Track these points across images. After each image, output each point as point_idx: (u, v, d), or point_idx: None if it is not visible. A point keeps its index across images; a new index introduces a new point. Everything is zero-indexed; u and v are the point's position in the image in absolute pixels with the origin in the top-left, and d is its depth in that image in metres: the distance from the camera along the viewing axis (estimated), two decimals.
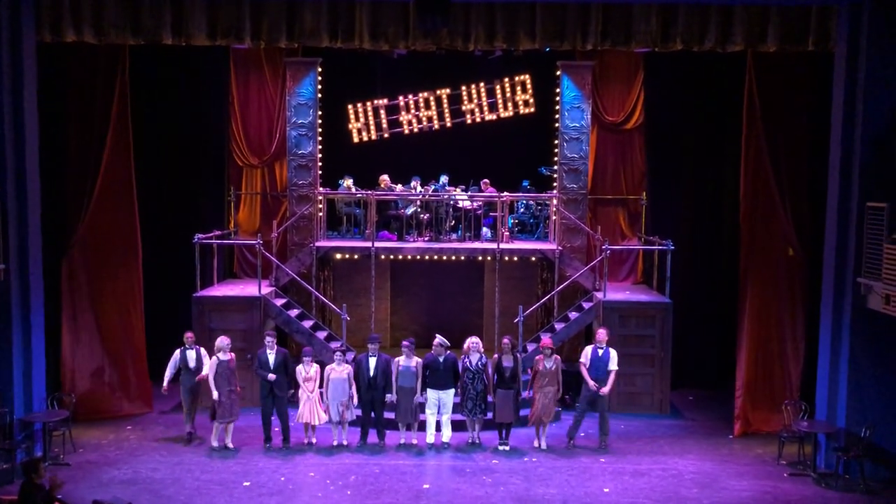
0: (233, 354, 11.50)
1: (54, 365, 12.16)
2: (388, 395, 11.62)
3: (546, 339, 12.06)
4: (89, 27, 11.14)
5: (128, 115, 12.39)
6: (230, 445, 11.42)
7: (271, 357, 11.50)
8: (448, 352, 11.75)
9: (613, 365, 11.61)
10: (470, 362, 11.58)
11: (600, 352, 11.63)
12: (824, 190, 11.25)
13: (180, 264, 13.83)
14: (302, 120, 14.67)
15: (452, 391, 11.68)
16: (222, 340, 11.46)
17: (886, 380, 10.57)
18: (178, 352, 11.69)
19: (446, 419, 11.71)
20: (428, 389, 11.60)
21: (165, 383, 11.62)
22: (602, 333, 11.76)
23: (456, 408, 11.85)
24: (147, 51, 12.16)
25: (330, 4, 11.27)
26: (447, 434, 11.73)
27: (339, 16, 11.32)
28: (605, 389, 11.53)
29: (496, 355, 11.73)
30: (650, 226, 14.97)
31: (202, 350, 11.77)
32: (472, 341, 11.71)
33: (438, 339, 11.76)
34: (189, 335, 11.78)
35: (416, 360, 11.69)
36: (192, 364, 11.63)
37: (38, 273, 11.30)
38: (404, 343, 11.89)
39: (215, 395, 11.22)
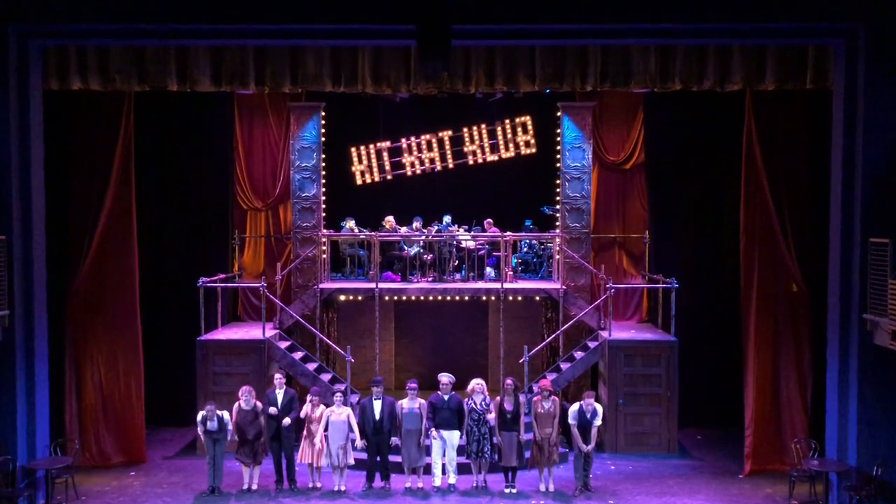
0: (258, 402, 11.41)
1: (57, 411, 12.08)
2: (394, 439, 11.51)
3: (544, 380, 11.95)
4: (95, 75, 11.32)
5: (131, 160, 12.49)
6: (254, 487, 11.44)
7: (279, 395, 11.48)
8: (453, 392, 11.67)
9: (598, 421, 11.39)
10: (475, 403, 11.49)
11: (588, 415, 11.29)
12: (826, 225, 11.27)
13: (185, 308, 13.82)
14: (305, 163, 14.81)
15: (457, 432, 11.57)
16: (243, 390, 11.42)
17: None
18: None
19: (451, 460, 11.59)
20: (432, 429, 11.50)
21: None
22: (590, 395, 11.51)
23: (462, 450, 11.73)
24: (152, 95, 12.32)
25: (332, 50, 11.44)
26: (452, 477, 11.60)
27: (341, 61, 11.49)
28: (590, 447, 11.30)
29: (498, 397, 11.63)
30: (653, 264, 14.97)
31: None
32: (477, 383, 11.61)
33: (446, 377, 11.66)
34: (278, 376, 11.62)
35: (419, 402, 11.59)
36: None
37: (43, 319, 11.30)
38: (409, 385, 11.81)
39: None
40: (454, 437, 11.54)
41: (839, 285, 10.90)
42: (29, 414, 11.03)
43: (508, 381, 11.66)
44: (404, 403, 11.59)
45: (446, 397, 11.56)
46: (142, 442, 12.69)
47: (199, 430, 11.44)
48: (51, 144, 11.61)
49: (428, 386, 15.64)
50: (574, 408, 11.45)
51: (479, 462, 11.57)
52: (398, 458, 11.71)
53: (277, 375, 11.66)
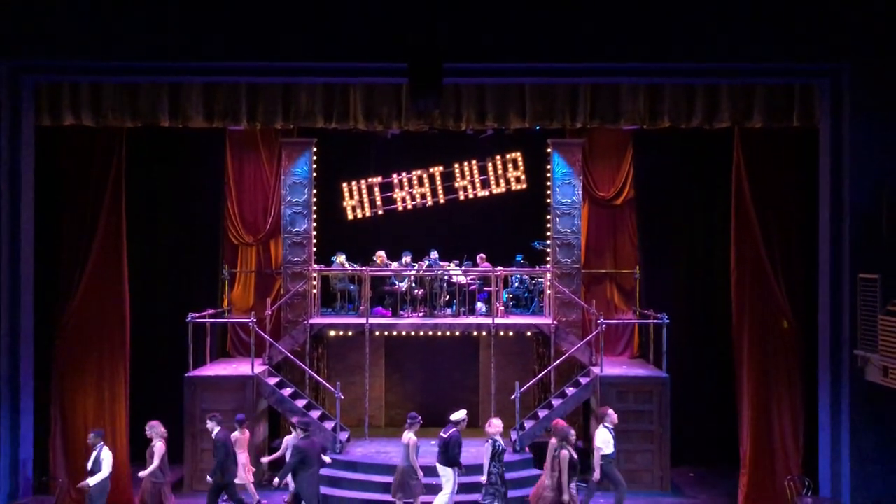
0: (159, 442, 10.95)
1: (42, 448, 11.87)
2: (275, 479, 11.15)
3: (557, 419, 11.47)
4: (88, 111, 11.32)
5: (122, 196, 12.44)
6: None
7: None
8: (453, 429, 11.29)
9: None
10: (498, 445, 11.00)
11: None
12: (816, 261, 11.32)
13: (173, 343, 13.69)
14: (297, 198, 14.83)
15: (445, 469, 11.19)
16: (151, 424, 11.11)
17: (890, 453, 10.41)
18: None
19: (438, 497, 11.22)
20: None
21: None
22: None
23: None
24: (144, 131, 12.33)
25: (325, 87, 11.51)
26: None
27: (333, 98, 11.56)
28: (596, 475, 11.18)
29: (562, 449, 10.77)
30: (644, 299, 14.97)
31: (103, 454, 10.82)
32: (497, 422, 11.20)
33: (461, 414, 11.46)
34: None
35: (408, 437, 11.36)
36: (89, 467, 10.74)
37: (29, 356, 11.17)
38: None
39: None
40: (443, 473, 11.26)
41: (829, 321, 10.91)
42: (13, 451, 10.86)
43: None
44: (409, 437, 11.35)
45: (445, 434, 11.27)
46: (128, 484, 12.23)
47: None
48: (42, 179, 11.58)
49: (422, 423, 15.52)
50: (607, 435, 11.22)
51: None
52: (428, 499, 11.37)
53: (209, 423, 11.37)
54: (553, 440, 10.81)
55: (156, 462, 10.79)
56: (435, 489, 11.48)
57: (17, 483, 10.87)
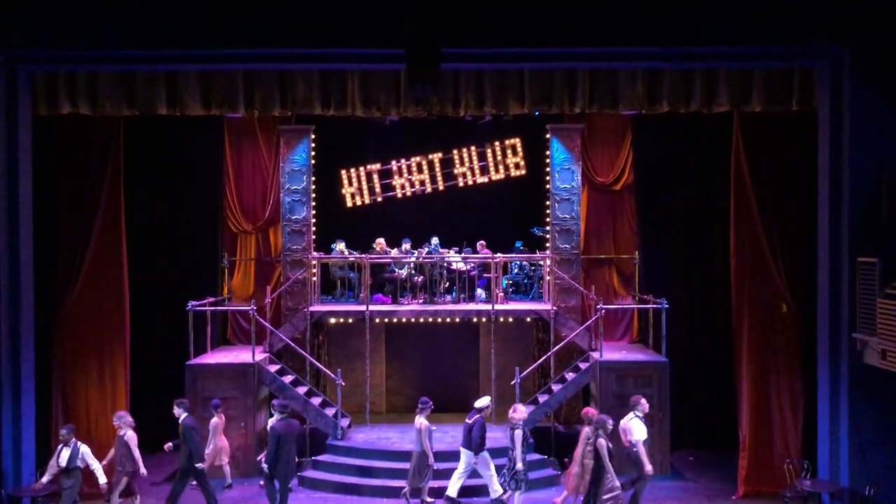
0: (130, 431, 10.93)
1: (45, 438, 11.92)
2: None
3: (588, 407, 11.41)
4: (84, 100, 11.30)
5: (120, 185, 12.46)
6: None
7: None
8: (477, 415, 11.44)
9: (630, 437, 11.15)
10: (526, 431, 11.14)
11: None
12: (815, 245, 11.32)
13: (174, 332, 13.72)
14: (295, 186, 14.82)
15: (468, 452, 11.36)
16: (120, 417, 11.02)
17: (889, 436, 10.46)
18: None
19: (455, 474, 11.46)
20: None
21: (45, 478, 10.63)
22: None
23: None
24: (141, 119, 12.31)
25: (322, 74, 11.47)
26: (451, 487, 11.41)
27: (331, 85, 11.52)
28: (648, 467, 10.99)
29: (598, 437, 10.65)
30: (644, 284, 14.99)
31: (83, 448, 10.70)
32: (522, 408, 11.32)
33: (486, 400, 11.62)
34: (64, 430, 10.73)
35: (419, 422, 11.50)
36: (63, 463, 10.49)
37: (30, 346, 11.19)
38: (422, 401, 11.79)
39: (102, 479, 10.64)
40: (463, 455, 11.47)
41: (828, 305, 10.93)
42: (15, 441, 10.90)
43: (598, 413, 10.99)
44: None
45: (469, 420, 11.44)
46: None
47: (51, 467, 10.45)
48: (40, 169, 11.56)
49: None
50: (641, 425, 11.12)
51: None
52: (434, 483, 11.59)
53: (176, 409, 11.29)
54: (586, 429, 10.75)
55: (135, 452, 10.80)
56: (445, 474, 11.64)
57: (19, 473, 10.91)
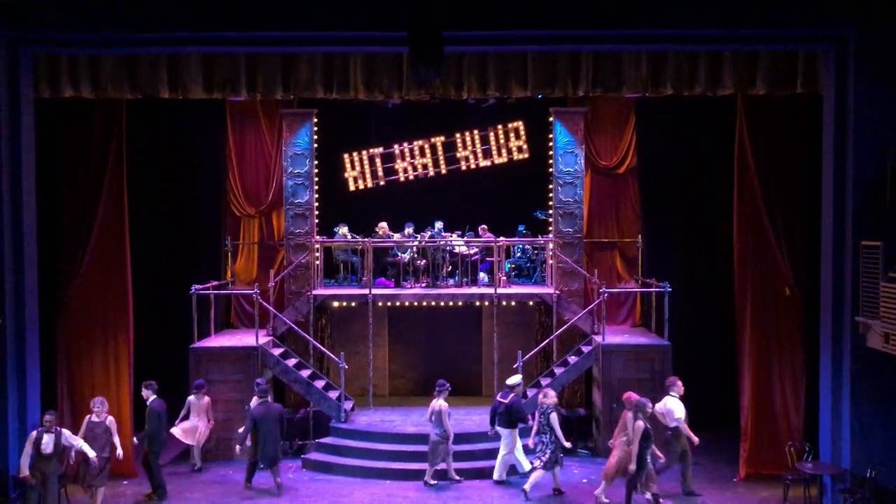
0: (110, 417, 10.96)
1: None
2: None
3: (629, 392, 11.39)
4: (86, 83, 11.28)
5: (123, 169, 12.44)
6: None
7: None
8: (511, 393, 11.87)
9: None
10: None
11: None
12: (819, 229, 11.31)
13: (178, 315, 13.76)
14: (298, 169, 14.81)
15: (505, 430, 11.82)
16: (95, 401, 11.02)
17: (890, 418, 10.49)
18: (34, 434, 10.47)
19: (499, 456, 11.92)
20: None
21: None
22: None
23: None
24: (144, 103, 12.28)
25: (325, 57, 11.43)
26: (496, 471, 11.90)
27: (333, 68, 11.48)
28: (695, 439, 11.29)
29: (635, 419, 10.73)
30: (646, 268, 14.99)
31: (65, 432, 10.61)
32: (552, 392, 11.69)
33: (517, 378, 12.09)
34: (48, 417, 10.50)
35: (438, 404, 11.72)
36: (48, 450, 10.31)
37: (35, 329, 11.24)
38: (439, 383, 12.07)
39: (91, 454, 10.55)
40: (503, 435, 11.91)
41: (832, 288, 10.93)
42: (21, 424, 10.96)
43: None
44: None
45: (505, 399, 11.87)
46: (130, 457, 12.24)
47: (27, 455, 10.23)
48: (42, 152, 11.56)
49: (422, 392, 15.69)
50: (679, 403, 11.36)
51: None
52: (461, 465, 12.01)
53: (144, 391, 11.46)
54: (627, 413, 10.84)
55: (116, 438, 10.83)
56: (458, 456, 11.96)
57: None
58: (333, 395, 13.58)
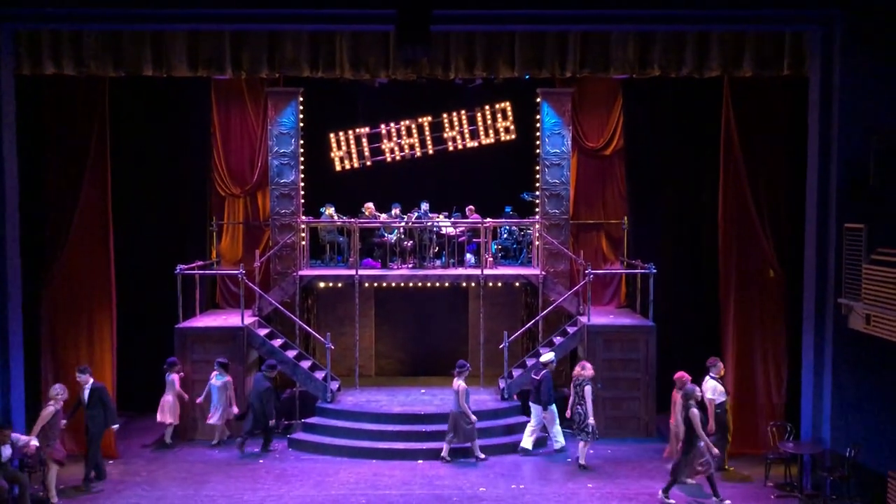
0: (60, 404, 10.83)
1: (34, 402, 11.91)
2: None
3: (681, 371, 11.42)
4: (69, 60, 11.12)
5: (106, 148, 12.31)
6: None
7: (85, 394, 11.12)
8: (544, 370, 12.30)
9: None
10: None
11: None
12: (803, 211, 11.38)
13: (162, 295, 13.70)
14: (284, 149, 14.71)
15: (536, 406, 12.33)
16: (55, 388, 10.89)
17: (870, 399, 10.62)
18: None
19: (528, 428, 12.42)
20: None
21: None
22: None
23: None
24: (127, 81, 12.14)
25: (310, 35, 11.32)
26: (525, 440, 12.36)
27: (319, 46, 11.37)
28: (711, 425, 11.09)
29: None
30: (632, 249, 15.05)
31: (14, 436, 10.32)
32: (589, 365, 12.07)
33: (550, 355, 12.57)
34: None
35: (458, 384, 11.91)
36: (5, 457, 10.08)
37: (18, 308, 11.15)
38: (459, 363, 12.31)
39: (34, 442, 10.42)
40: (535, 410, 12.39)
41: (815, 270, 11.02)
42: (4, 403, 10.92)
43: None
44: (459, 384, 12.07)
45: (536, 376, 12.36)
46: (111, 439, 12.15)
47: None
48: (24, 131, 11.41)
49: (409, 372, 15.74)
50: (716, 385, 11.37)
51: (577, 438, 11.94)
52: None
53: (77, 375, 11.23)
54: (677, 394, 10.86)
55: (37, 426, 10.58)
56: (435, 436, 12.11)
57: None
58: (320, 375, 13.60)
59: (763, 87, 12.00)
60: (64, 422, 11.01)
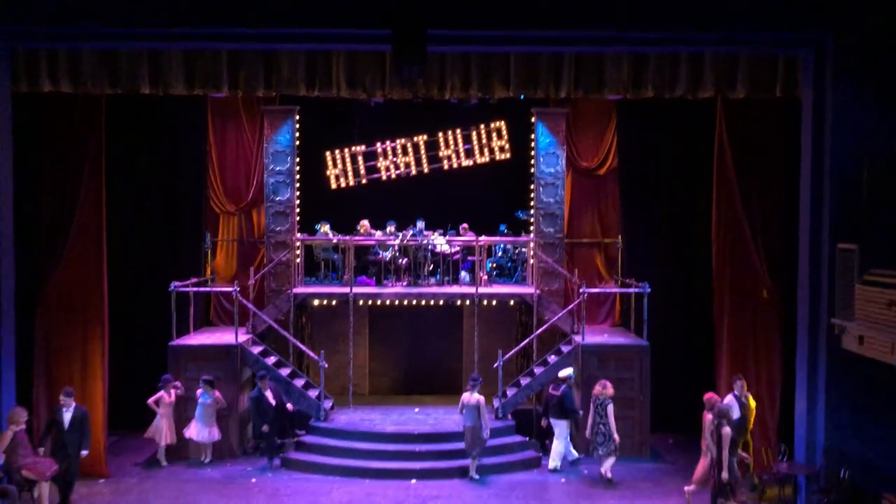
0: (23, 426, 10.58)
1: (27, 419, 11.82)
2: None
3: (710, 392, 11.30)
4: (66, 78, 11.14)
5: (102, 166, 12.25)
6: None
7: (67, 416, 10.96)
8: (563, 385, 12.45)
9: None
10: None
11: (744, 401, 11.34)
12: (796, 231, 11.44)
13: (157, 313, 13.66)
14: (279, 167, 14.74)
15: (561, 422, 12.41)
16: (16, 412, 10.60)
17: (863, 420, 10.62)
18: None
19: (554, 446, 12.49)
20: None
21: None
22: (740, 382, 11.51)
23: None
24: (124, 98, 12.17)
25: (307, 54, 11.39)
26: (552, 461, 12.47)
27: (316, 65, 11.43)
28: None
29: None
30: (626, 268, 15.08)
31: None
32: (609, 384, 12.16)
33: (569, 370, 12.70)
34: None
35: (475, 398, 11.91)
36: None
37: (10, 327, 11.09)
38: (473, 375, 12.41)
39: None
40: (557, 426, 12.47)
41: (808, 291, 11.06)
42: None
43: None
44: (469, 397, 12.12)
45: (556, 392, 12.45)
46: (101, 458, 12.10)
47: None
48: (20, 147, 11.41)
49: (403, 390, 15.70)
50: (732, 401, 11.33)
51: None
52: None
53: (61, 397, 11.10)
54: (709, 416, 10.72)
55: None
56: (434, 455, 12.12)
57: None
58: (313, 393, 13.55)
59: (756, 108, 12.08)
60: (42, 449, 10.84)
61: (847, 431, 10.68)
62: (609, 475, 11.94)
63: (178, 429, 12.77)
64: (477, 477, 11.99)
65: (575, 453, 12.57)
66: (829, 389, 10.77)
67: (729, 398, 11.40)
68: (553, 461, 12.45)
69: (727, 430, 10.17)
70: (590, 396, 12.37)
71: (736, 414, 11.22)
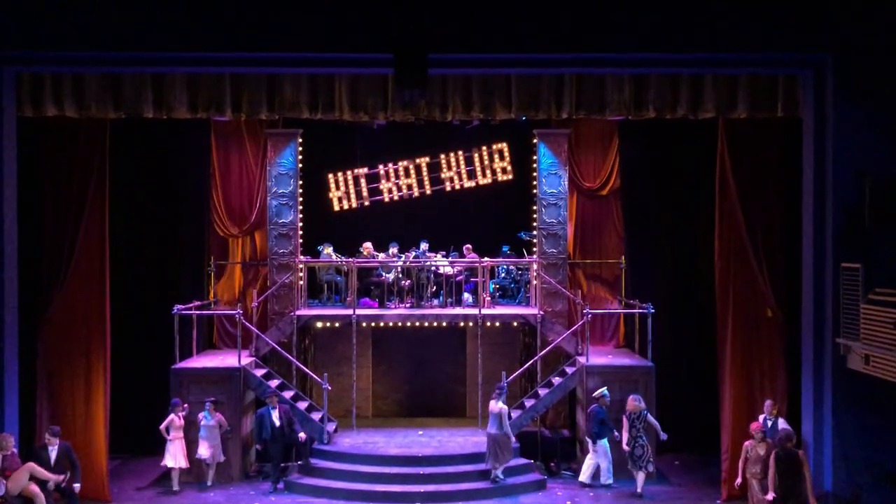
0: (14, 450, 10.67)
1: (28, 442, 11.79)
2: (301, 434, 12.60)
3: (756, 423, 11.32)
4: (70, 102, 11.23)
5: (106, 188, 12.30)
6: None
7: (52, 454, 10.85)
8: (594, 404, 12.53)
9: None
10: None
11: (770, 423, 11.29)
12: (800, 251, 11.42)
13: (160, 336, 13.63)
14: (282, 189, 14.78)
15: (601, 440, 12.51)
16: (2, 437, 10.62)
17: (871, 440, 10.56)
18: None
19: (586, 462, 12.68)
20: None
21: None
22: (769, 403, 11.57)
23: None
24: (128, 122, 12.23)
25: (309, 77, 11.47)
26: (584, 473, 12.66)
27: (318, 88, 11.52)
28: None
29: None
30: (630, 289, 15.05)
31: None
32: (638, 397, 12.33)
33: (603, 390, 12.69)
34: None
35: (498, 406, 11.98)
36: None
37: (14, 349, 11.10)
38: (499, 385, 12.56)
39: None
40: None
41: (812, 310, 11.02)
42: None
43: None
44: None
45: (589, 410, 12.58)
46: (103, 482, 12.00)
47: None
48: (25, 171, 11.48)
49: (406, 413, 15.62)
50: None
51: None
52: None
53: (47, 436, 11.02)
54: (750, 444, 10.85)
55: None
56: (434, 478, 12.04)
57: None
58: (316, 416, 13.48)
59: (758, 127, 12.10)
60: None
61: (855, 452, 10.62)
62: (641, 492, 12.14)
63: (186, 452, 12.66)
64: (502, 477, 12.15)
65: (611, 480, 12.56)
66: (835, 409, 10.72)
67: (782, 423, 11.33)
68: (584, 474, 12.64)
69: (801, 451, 10.32)
70: (593, 417, 12.29)
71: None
